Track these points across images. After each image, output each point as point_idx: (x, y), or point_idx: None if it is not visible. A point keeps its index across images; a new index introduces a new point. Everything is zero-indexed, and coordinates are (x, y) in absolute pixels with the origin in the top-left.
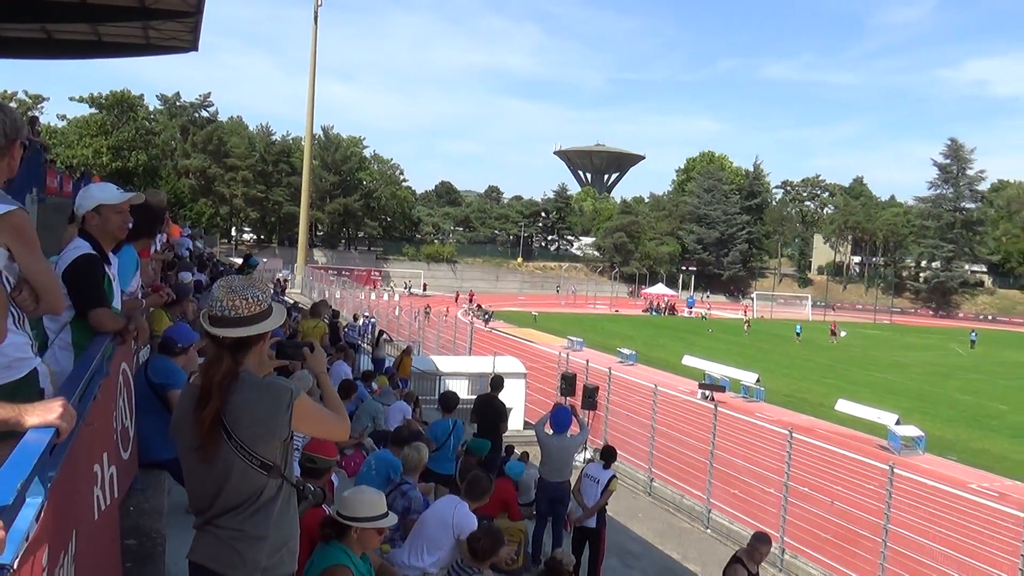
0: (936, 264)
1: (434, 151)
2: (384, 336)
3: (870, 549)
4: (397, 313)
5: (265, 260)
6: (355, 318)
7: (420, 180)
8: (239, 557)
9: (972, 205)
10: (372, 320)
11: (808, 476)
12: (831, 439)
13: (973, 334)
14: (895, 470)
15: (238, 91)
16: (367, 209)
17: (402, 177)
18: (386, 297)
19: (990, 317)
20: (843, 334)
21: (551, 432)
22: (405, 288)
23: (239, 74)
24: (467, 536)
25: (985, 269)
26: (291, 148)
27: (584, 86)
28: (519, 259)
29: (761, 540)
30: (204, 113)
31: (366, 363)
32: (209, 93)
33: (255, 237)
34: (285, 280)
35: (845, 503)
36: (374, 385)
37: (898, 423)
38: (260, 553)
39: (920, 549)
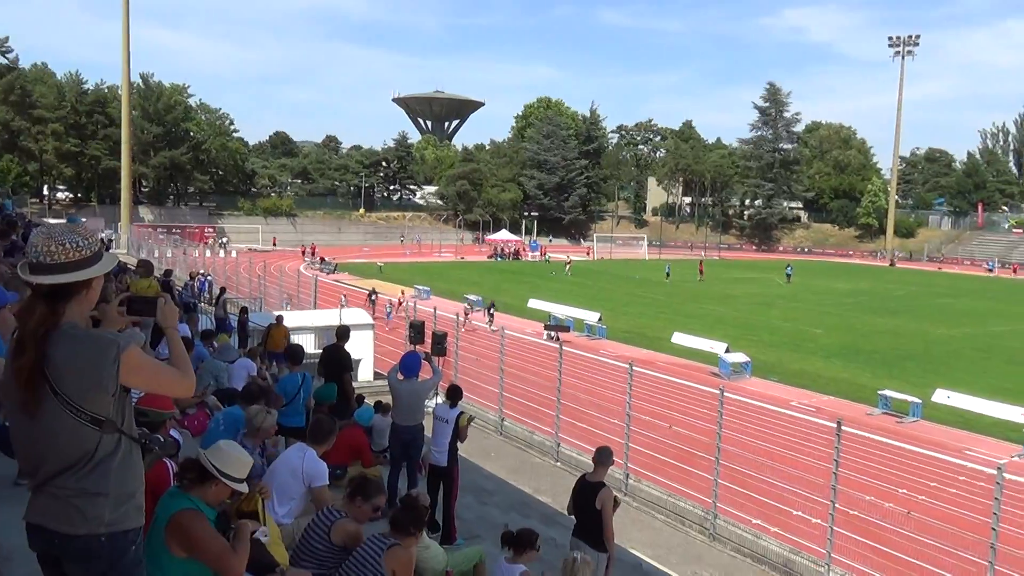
0: (758, 202)
1: (268, 100)
2: (225, 294)
3: (706, 467)
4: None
5: (85, 220)
6: (191, 277)
7: (253, 131)
8: (80, 514)
9: (789, 146)
10: (209, 278)
11: (648, 405)
12: (669, 370)
13: (788, 268)
14: (725, 393)
15: (41, 35)
16: (196, 162)
17: (233, 127)
18: (222, 254)
19: (806, 249)
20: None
21: (401, 378)
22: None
23: (42, 16)
24: (391, 515)
25: (801, 205)
26: (107, 98)
27: (420, 31)
28: (361, 210)
29: (605, 453)
30: (2, 60)
31: (206, 323)
32: (7, 37)
33: (71, 196)
34: (109, 240)
35: (682, 427)
36: (215, 344)
37: (727, 351)
38: (102, 509)
39: (749, 463)
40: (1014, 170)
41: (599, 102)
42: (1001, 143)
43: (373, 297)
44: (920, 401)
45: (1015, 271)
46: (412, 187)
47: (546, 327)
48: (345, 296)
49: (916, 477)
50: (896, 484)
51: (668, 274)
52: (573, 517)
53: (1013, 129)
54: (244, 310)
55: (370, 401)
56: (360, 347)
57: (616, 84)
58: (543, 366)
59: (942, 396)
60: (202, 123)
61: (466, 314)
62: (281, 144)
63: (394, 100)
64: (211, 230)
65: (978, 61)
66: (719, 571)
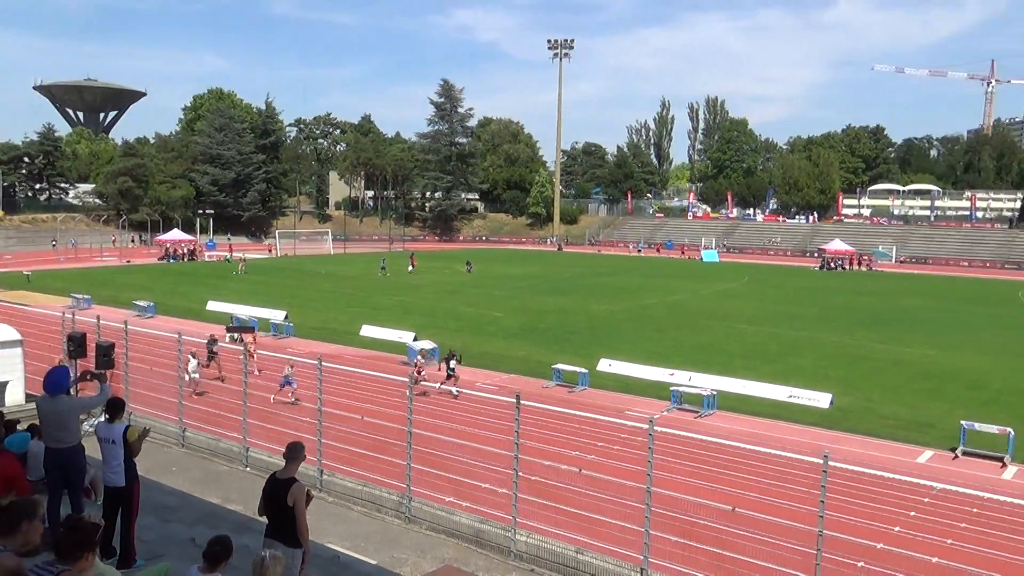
0: (438, 194)
1: None
2: None
3: (399, 453)
4: None
5: None
6: None
7: None
8: None
9: (464, 140)
10: None
11: (340, 399)
12: (359, 362)
13: (468, 265)
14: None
15: None
16: None
17: None
18: None
19: (484, 238)
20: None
21: (48, 396)
22: None
23: None
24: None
25: (478, 197)
26: None
27: (63, 11)
28: (1, 212)
29: (295, 448)
30: None
31: None
32: None
33: None
34: None
35: (375, 417)
36: None
37: (415, 339)
38: None
39: (440, 444)
40: (655, 162)
41: (275, 95)
42: (644, 138)
43: (214, 348)
44: (587, 371)
45: (658, 250)
46: (63, 185)
47: (228, 329)
48: None
49: (586, 439)
50: (570, 447)
51: (384, 268)
52: (265, 519)
53: (653, 126)
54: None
55: (25, 425)
56: (8, 367)
57: (292, 77)
58: (228, 370)
59: (605, 365)
60: None
61: (418, 370)
62: None
63: (36, 88)
64: None
65: (624, 64)
66: (415, 551)
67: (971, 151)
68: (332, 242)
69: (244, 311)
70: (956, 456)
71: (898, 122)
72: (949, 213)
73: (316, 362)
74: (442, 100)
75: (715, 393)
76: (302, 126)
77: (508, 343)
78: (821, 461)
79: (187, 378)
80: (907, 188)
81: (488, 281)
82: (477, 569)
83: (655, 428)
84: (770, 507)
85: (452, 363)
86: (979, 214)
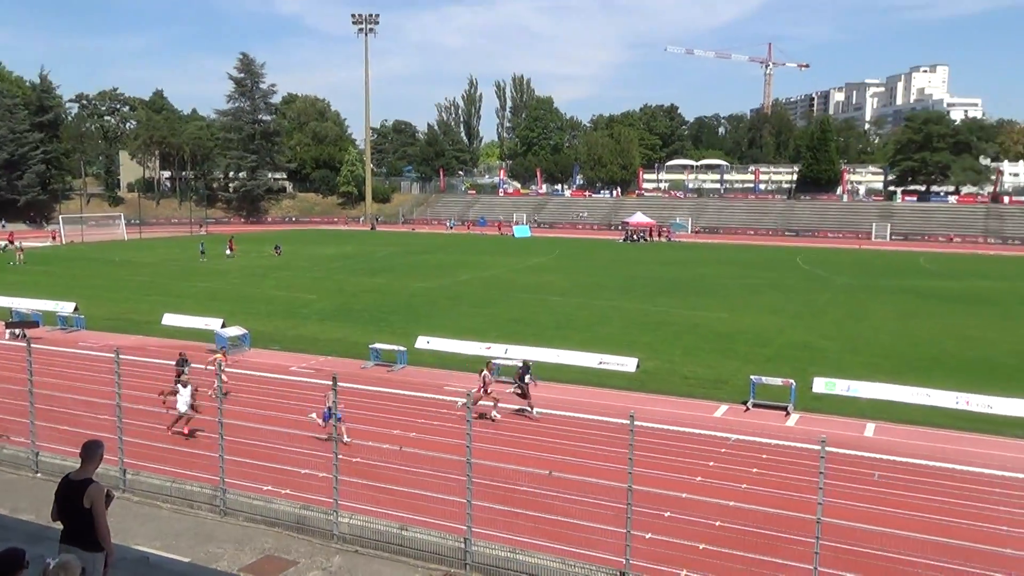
0: (243, 174)
1: None
2: None
3: (211, 446)
4: None
5: None
6: None
7: None
8: None
9: (268, 118)
10: None
11: (142, 393)
12: (161, 353)
13: (277, 248)
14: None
15: None
16: None
17: None
18: None
19: (293, 219)
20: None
21: None
22: None
23: None
24: None
25: (285, 176)
26: None
27: None
28: None
29: (91, 447)
30: None
31: None
32: None
33: None
34: None
35: (173, 406)
36: None
37: (224, 326)
38: None
39: (256, 433)
40: (466, 139)
41: (50, 67)
42: (454, 116)
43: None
44: (405, 349)
45: (469, 227)
46: None
47: (8, 325)
48: None
49: (407, 417)
50: (391, 426)
51: (203, 251)
52: (60, 524)
53: (462, 104)
54: None
55: None
56: None
57: (70, 48)
58: (10, 370)
59: (423, 342)
60: None
61: (484, 389)
62: None
63: None
64: None
65: (431, 42)
66: (232, 544)
67: (754, 128)
68: (126, 227)
69: (25, 304)
70: (748, 408)
71: (690, 101)
72: (737, 186)
73: (113, 355)
74: (242, 76)
75: (531, 364)
76: (85, 102)
77: (323, 325)
78: (628, 422)
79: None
80: (700, 163)
81: (300, 263)
82: (299, 556)
83: (471, 404)
84: (585, 468)
85: (527, 378)
86: (762, 186)
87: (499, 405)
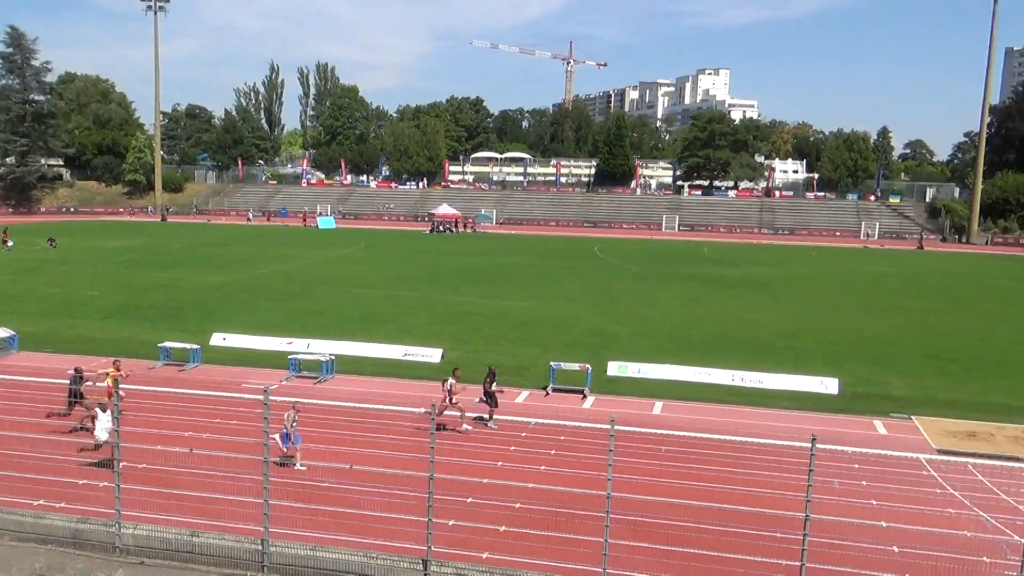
0: (11, 160)
1: None
2: None
3: None
4: None
5: None
6: None
7: None
8: None
9: (42, 98)
10: None
11: None
12: None
13: (51, 241)
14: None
15: None
16: None
17: None
18: None
19: (72, 209)
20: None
21: None
22: None
23: None
24: None
25: (62, 162)
26: None
27: None
28: None
29: None
30: None
31: None
32: None
33: None
34: None
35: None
36: None
37: None
38: None
39: (23, 443)
40: (266, 127)
41: None
42: (254, 102)
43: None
44: (199, 347)
45: (270, 219)
46: None
47: None
48: None
49: (200, 418)
50: (182, 428)
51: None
52: None
53: (262, 90)
54: None
55: None
56: None
57: None
58: None
59: (219, 339)
60: None
61: (449, 399)
62: None
63: None
64: None
65: (229, 24)
66: None
67: (556, 123)
68: None
69: None
70: (548, 394)
71: (496, 94)
72: (539, 179)
73: None
74: (11, 51)
75: (333, 358)
76: None
77: (105, 324)
78: (428, 411)
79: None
80: (504, 156)
81: (79, 257)
82: (76, 573)
83: (270, 397)
84: (387, 460)
85: (494, 385)
86: (563, 179)
87: (466, 415)
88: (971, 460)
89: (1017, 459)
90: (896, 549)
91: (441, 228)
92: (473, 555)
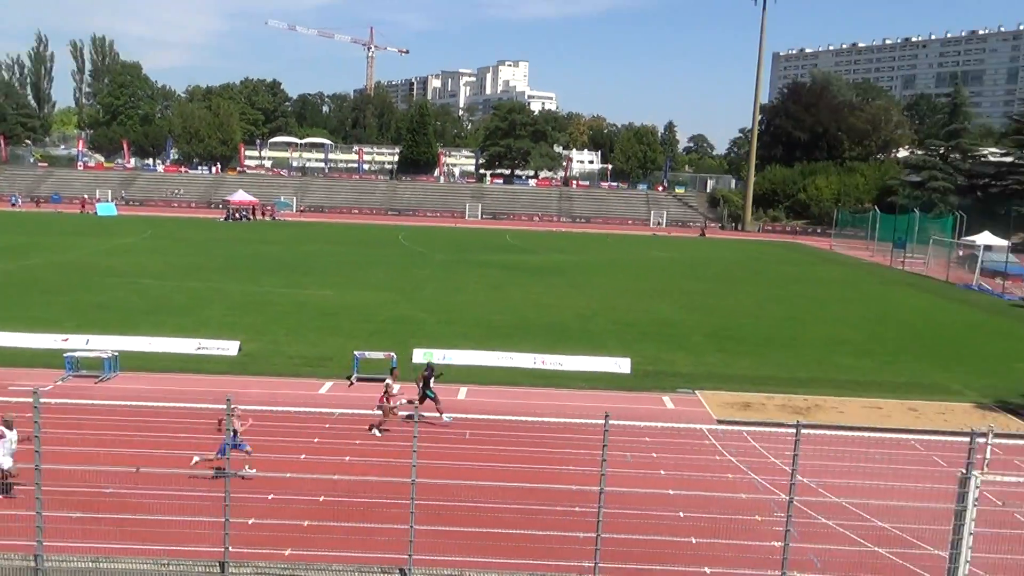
0: None
1: None
2: None
3: None
4: None
5: None
6: None
7: None
8: None
9: None
10: None
11: None
12: None
13: None
14: None
15: None
16: None
17: None
18: None
19: None
20: None
21: None
22: None
23: None
24: None
25: None
26: None
27: None
28: None
29: None
30: None
31: None
32: None
33: None
34: None
35: None
36: None
37: None
38: None
39: None
40: (34, 104)
41: None
42: (18, 76)
43: None
44: None
45: (39, 205)
46: None
47: None
48: None
49: None
50: None
51: None
52: None
53: (28, 63)
54: None
55: None
56: None
57: None
58: None
59: None
60: None
61: (386, 397)
62: None
63: None
64: None
65: None
66: None
67: (357, 109)
68: None
69: None
70: (352, 383)
71: (294, 77)
72: (341, 165)
73: None
74: None
75: (116, 354)
76: None
77: None
78: (224, 406)
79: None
80: (304, 141)
81: None
82: None
83: (43, 400)
84: (176, 460)
85: (432, 382)
86: (366, 166)
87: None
88: (746, 428)
89: (783, 424)
90: (682, 514)
91: (237, 215)
92: (275, 553)
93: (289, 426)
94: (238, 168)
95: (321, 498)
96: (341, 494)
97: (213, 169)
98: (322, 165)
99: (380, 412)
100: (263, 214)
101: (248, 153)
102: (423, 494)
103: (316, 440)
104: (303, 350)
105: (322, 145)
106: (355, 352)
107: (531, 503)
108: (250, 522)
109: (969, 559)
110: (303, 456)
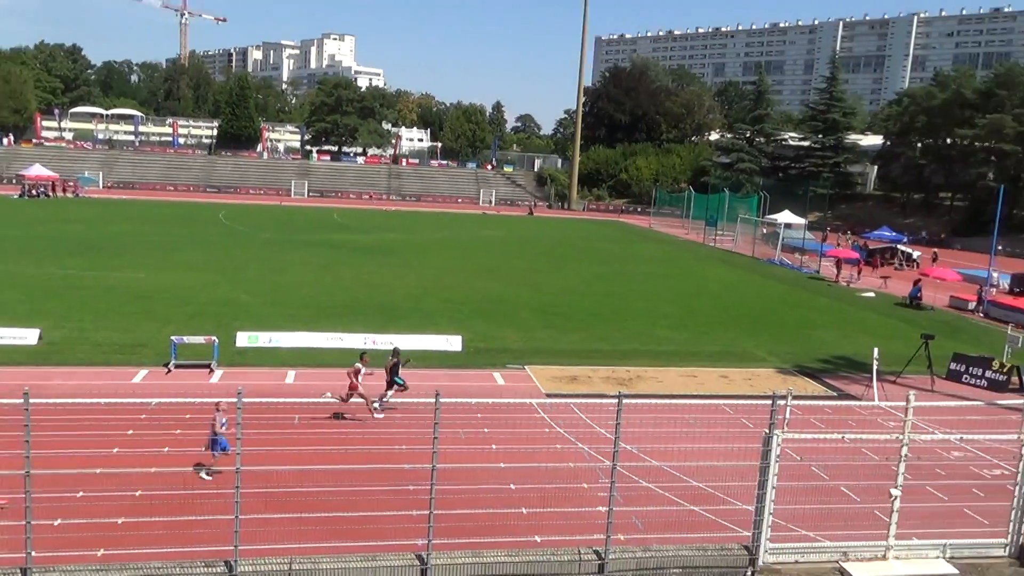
0: None
1: None
2: None
3: None
4: None
5: None
6: None
7: None
8: None
9: None
10: None
11: None
12: None
13: None
14: None
15: None
16: None
17: None
18: None
19: None
20: None
21: None
22: None
23: None
24: None
25: None
26: None
27: None
28: None
29: None
30: None
31: None
32: None
33: None
34: None
35: None
36: None
37: None
38: None
39: None
40: None
41: None
42: None
43: None
44: None
45: None
46: None
47: None
48: None
49: None
50: None
51: None
52: None
53: None
54: None
55: None
56: None
57: None
58: None
59: None
60: None
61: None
62: None
63: None
64: None
65: None
66: None
67: (170, 79)
68: None
69: None
70: (169, 370)
71: (97, 44)
72: (153, 139)
73: None
74: None
75: None
76: None
77: None
78: (22, 401)
79: None
80: (110, 112)
81: None
82: None
83: None
84: None
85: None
86: (181, 140)
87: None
88: (573, 400)
89: (607, 396)
90: (513, 487)
91: (34, 192)
92: (87, 554)
93: (99, 419)
94: (34, 140)
95: (138, 492)
96: (160, 487)
97: (5, 141)
98: (132, 138)
99: (362, 399)
100: (64, 190)
101: (46, 124)
102: (248, 482)
103: (130, 432)
104: (114, 337)
105: (131, 117)
106: (172, 337)
107: (363, 485)
108: (56, 523)
109: (772, 510)
110: (116, 450)
